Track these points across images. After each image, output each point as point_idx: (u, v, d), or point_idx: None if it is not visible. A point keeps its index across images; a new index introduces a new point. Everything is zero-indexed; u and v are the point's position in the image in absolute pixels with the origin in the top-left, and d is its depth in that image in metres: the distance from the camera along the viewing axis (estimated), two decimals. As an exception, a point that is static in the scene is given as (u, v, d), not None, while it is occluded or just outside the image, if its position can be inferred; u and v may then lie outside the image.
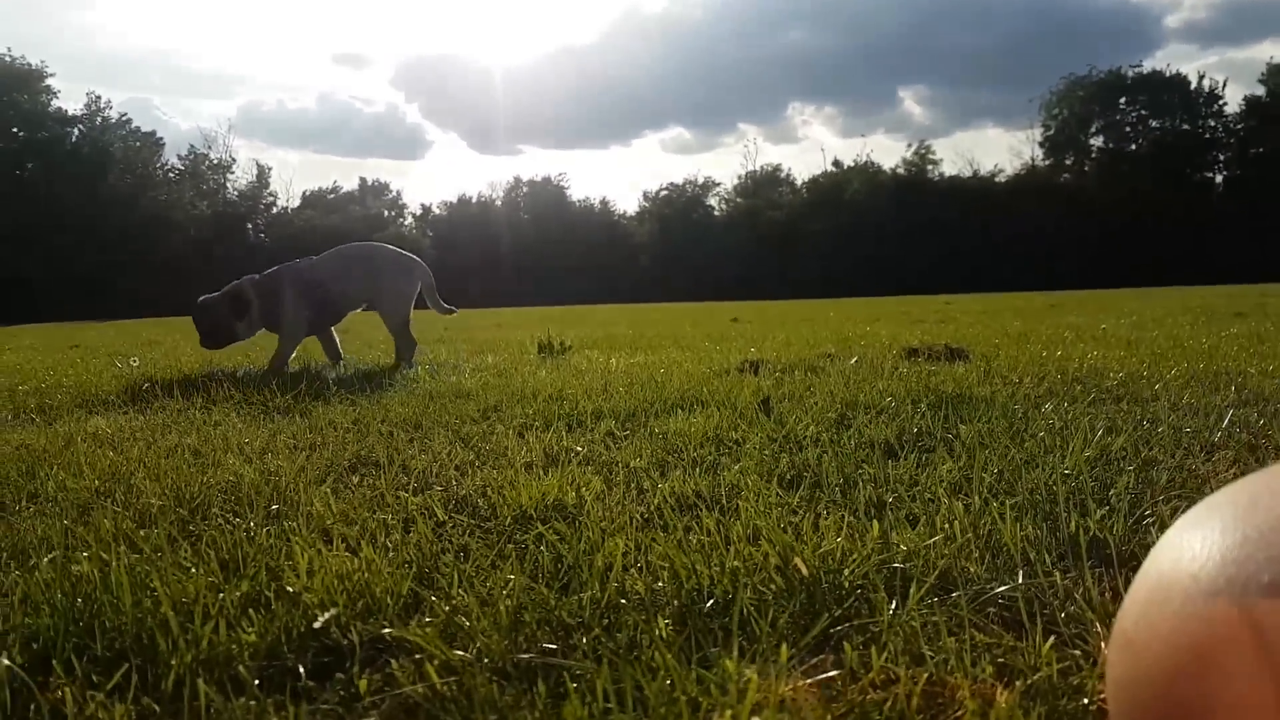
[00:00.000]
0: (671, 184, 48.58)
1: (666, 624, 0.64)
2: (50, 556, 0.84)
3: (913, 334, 4.15)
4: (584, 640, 0.64)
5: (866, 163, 43.60)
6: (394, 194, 50.69)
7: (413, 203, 53.34)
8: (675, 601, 0.70)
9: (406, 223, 49.70)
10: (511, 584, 0.74)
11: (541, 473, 1.23)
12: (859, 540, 0.84)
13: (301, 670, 0.61)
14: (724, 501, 1.04)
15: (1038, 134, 41.00)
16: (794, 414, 1.64)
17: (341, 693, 0.59)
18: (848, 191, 42.05)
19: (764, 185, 46.22)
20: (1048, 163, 40.17)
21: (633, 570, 0.78)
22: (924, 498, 1.03)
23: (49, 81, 34.23)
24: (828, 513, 0.97)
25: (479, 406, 1.93)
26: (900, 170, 42.57)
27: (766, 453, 1.32)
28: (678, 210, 46.34)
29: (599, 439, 1.49)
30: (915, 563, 0.77)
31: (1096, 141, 39.58)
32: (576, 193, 53.84)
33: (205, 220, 39.48)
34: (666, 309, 14.97)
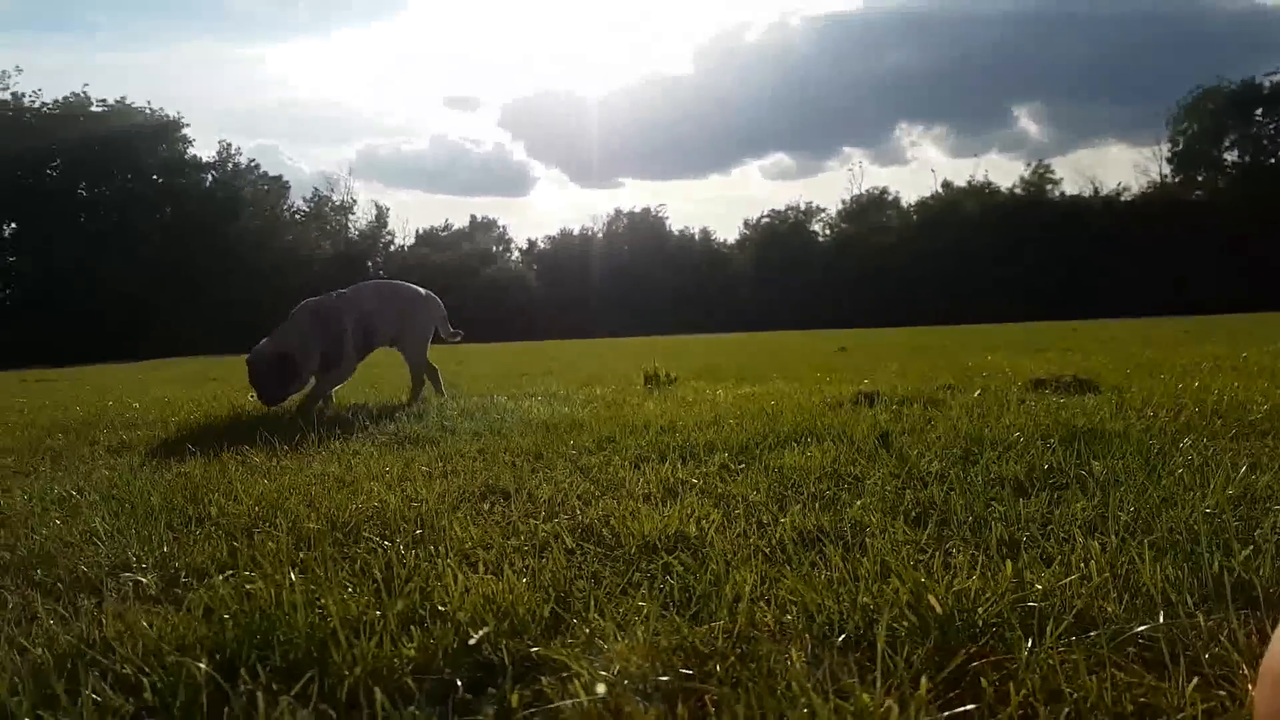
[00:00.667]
0: (773, 211, 48.22)
1: (800, 656, 0.66)
2: (225, 575, 0.93)
3: (1036, 364, 4.01)
4: (718, 668, 0.67)
5: (981, 183, 42.14)
6: (501, 229, 52.26)
7: (518, 237, 54.78)
8: (806, 635, 0.72)
9: (513, 257, 51.11)
10: (645, 611, 0.77)
11: (660, 504, 1.27)
12: (992, 579, 0.83)
13: (459, 684, 0.65)
14: (848, 537, 1.04)
15: (1165, 149, 38.82)
16: (915, 449, 1.63)
17: (495, 706, 0.63)
18: (960, 213, 40.79)
19: (870, 209, 45.33)
20: (1177, 179, 37.92)
21: (761, 603, 0.80)
22: (1058, 536, 1.01)
23: (185, 131, 36.78)
24: (957, 551, 0.97)
25: (594, 438, 1.99)
26: (1018, 190, 41.03)
27: (889, 489, 1.31)
28: (779, 237, 45.97)
29: (714, 471, 1.51)
30: (1051, 602, 0.77)
31: (1230, 155, 37.21)
32: (676, 223, 54.16)
33: (329, 258, 41.59)
34: (769, 338, 14.86)
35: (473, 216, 52.68)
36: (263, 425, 2.58)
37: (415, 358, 3.46)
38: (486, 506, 1.30)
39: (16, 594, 0.93)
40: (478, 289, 42.33)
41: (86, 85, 42.25)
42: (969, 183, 43.12)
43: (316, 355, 3.06)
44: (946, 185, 44.09)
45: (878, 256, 40.67)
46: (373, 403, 3.29)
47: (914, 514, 1.16)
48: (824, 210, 47.75)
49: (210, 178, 38.40)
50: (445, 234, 51.07)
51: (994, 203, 40.94)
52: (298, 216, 43.33)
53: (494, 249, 51.14)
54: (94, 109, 34.79)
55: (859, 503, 1.21)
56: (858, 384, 3.08)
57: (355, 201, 46.87)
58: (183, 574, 0.98)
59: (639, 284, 43.15)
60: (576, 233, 49.96)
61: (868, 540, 0.99)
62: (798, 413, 2.22)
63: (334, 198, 45.83)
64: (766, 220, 48.13)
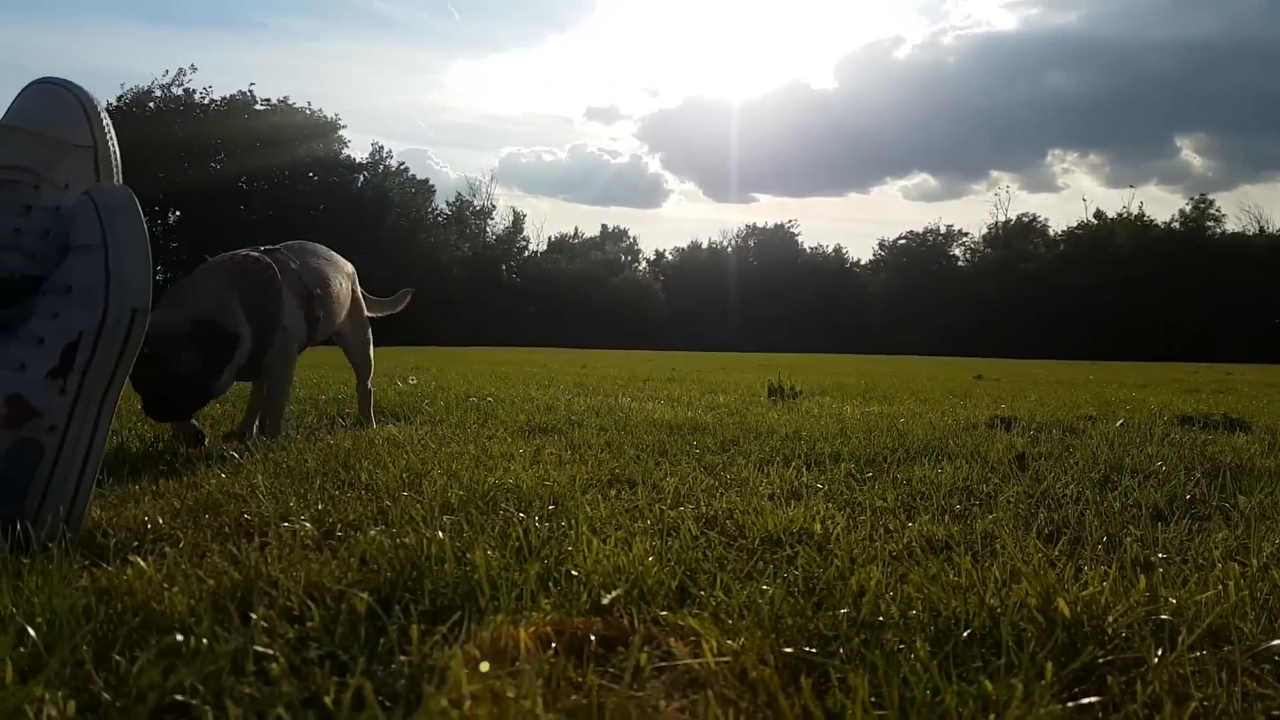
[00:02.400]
0: (911, 232, 46.83)
1: (925, 645, 0.67)
2: (376, 530, 1.01)
3: (1186, 402, 3.76)
4: (841, 650, 0.68)
5: (1136, 215, 39.64)
6: (631, 240, 52.93)
7: (647, 248, 55.33)
8: (932, 627, 0.72)
9: (640, 267, 51.65)
10: (770, 594, 0.79)
11: (784, 503, 1.28)
12: (1124, 593, 0.81)
13: (592, 639, 0.69)
14: (978, 547, 1.03)
15: (1349, 187, 35.54)
16: (1051, 472, 1.57)
17: (626, 662, 0.66)
18: (1112, 245, 38.46)
19: (1016, 236, 43.34)
20: (1362, 219, 34.62)
21: (886, 596, 0.81)
22: (1195, 561, 0.97)
23: (341, 132, 38.87)
24: (1089, 567, 0.94)
25: (717, 440, 2.01)
26: (1175, 224, 38.40)
27: (1021, 507, 1.28)
28: (917, 260, 44.59)
29: (839, 479, 1.51)
30: (1184, 617, 0.74)
31: None
32: (809, 240, 53.48)
33: (467, 261, 43.13)
34: (900, 362, 14.46)
35: (604, 226, 53.61)
36: (402, 408, 2.73)
37: (365, 349, 2.47)
38: (613, 493, 1.34)
39: (188, 536, 1.03)
40: (604, 297, 43.05)
41: (252, 84, 45.15)
42: (1122, 214, 40.67)
43: (249, 334, 1.81)
44: (1099, 215, 41.72)
45: (1020, 285, 38.86)
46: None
47: (1047, 531, 1.13)
48: (966, 235, 45.99)
49: (362, 178, 40.37)
50: (576, 242, 52.14)
51: (1149, 236, 38.47)
52: (440, 219, 45.09)
53: (622, 259, 51.83)
54: (257, 107, 37.15)
55: (990, 516, 1.18)
56: (995, 409, 2.97)
57: (494, 207, 48.48)
58: (337, 527, 1.07)
59: (767, 300, 42.79)
60: (705, 246, 49.99)
61: (997, 550, 0.98)
62: (929, 431, 2.18)
63: (475, 202, 47.47)
64: (904, 242, 46.75)
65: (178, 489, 1.31)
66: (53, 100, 1.18)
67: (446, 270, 40.38)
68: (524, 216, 48.75)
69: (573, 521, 1.07)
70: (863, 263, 47.99)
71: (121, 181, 1.22)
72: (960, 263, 45.09)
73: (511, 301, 42.01)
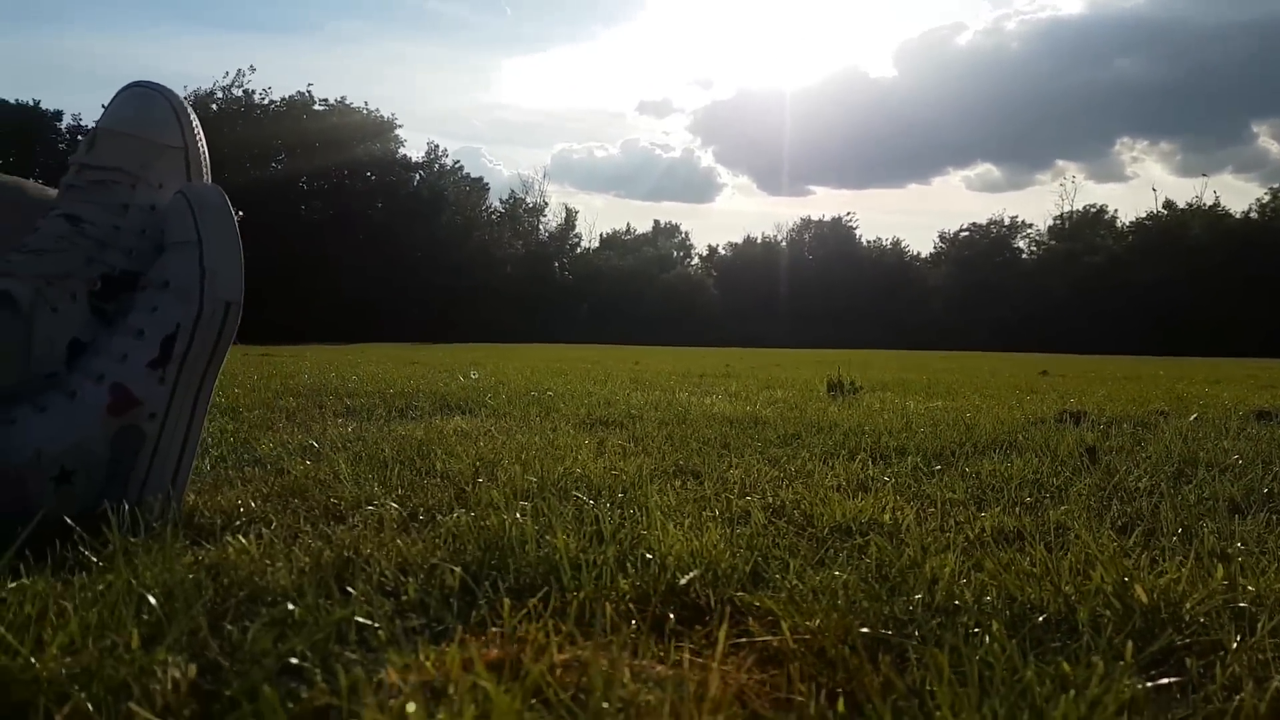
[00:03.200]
0: (974, 224, 45.80)
1: (1001, 628, 0.67)
2: (458, 513, 1.05)
3: (1261, 398, 3.64)
4: (916, 633, 0.69)
5: (1209, 205, 38.19)
6: (683, 235, 52.81)
7: (700, 244, 55.14)
8: (1007, 613, 0.73)
9: (693, 263, 51.50)
10: (843, 579, 0.81)
11: (852, 495, 1.28)
12: (1201, 582, 0.80)
13: (670, 616, 0.71)
14: (1050, 538, 1.03)
15: None
16: (1124, 465, 1.55)
17: (703, 640, 0.69)
18: (1183, 236, 37.14)
19: (1082, 227, 42.12)
20: None
21: (960, 582, 0.82)
22: (1275, 553, 0.95)
23: (397, 131, 39.42)
24: (1164, 558, 0.94)
25: (778, 434, 2.02)
26: (1252, 214, 36.92)
27: (1094, 499, 1.27)
28: (979, 252, 43.60)
29: (906, 472, 1.51)
30: (1264, 605, 0.74)
31: None
32: (867, 233, 52.68)
33: (519, 258, 43.50)
34: (962, 357, 14.21)
35: (656, 221, 53.62)
36: (465, 401, 2.80)
37: None
38: (679, 483, 1.36)
39: (279, 518, 1.08)
40: (656, 293, 43.07)
41: (310, 84, 46.01)
42: (1194, 204, 39.24)
43: None
44: (1169, 205, 40.30)
45: (1086, 278, 37.78)
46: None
47: (1120, 523, 1.12)
48: (1030, 226, 44.81)
49: (418, 177, 40.89)
50: (628, 238, 52.22)
51: (1223, 227, 37.06)
52: (493, 216, 45.46)
53: (674, 254, 51.73)
54: (316, 107, 37.85)
55: (1062, 508, 1.18)
56: (1062, 404, 2.92)
57: (547, 204, 48.81)
58: (419, 511, 1.11)
59: (823, 295, 42.31)
60: (759, 240, 49.63)
61: (1070, 540, 0.97)
62: (997, 425, 2.15)
63: (528, 200, 47.82)
64: (966, 234, 45.73)
65: (264, 475, 1.37)
66: (146, 104, 1.23)
67: (500, 267, 40.81)
68: (576, 213, 49.04)
69: (643, 508, 1.09)
70: (923, 256, 47.18)
71: (210, 180, 1.28)
72: (1024, 255, 44.02)
73: (563, 298, 42.34)
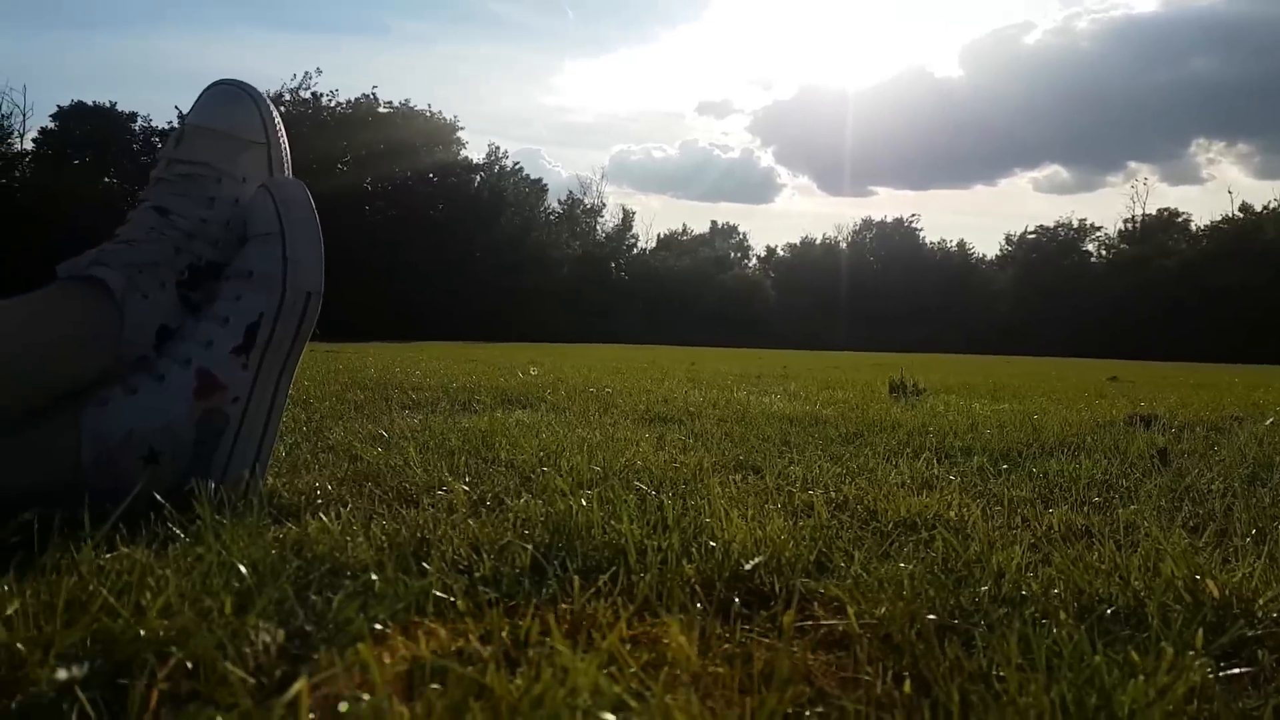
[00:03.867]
0: (1041, 227, 44.63)
1: (1069, 618, 0.67)
2: (525, 499, 1.07)
3: (1348, 406, 3.49)
4: (982, 622, 0.69)
5: (1289, 209, 36.66)
6: (741, 236, 52.52)
7: (758, 244, 54.75)
8: (1075, 604, 0.72)
9: (750, 264, 51.21)
10: (909, 570, 0.81)
11: (916, 492, 1.28)
12: (1276, 581, 0.79)
13: (736, 600, 0.73)
14: (1120, 536, 1.01)
15: None
16: (1196, 468, 1.51)
17: (768, 624, 0.70)
18: (1260, 241, 35.69)
19: (1154, 231, 40.75)
20: None
21: (1027, 576, 0.81)
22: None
23: (459, 134, 39.92)
24: (1237, 557, 0.91)
25: (840, 432, 2.01)
26: (1336, 218, 35.34)
27: (1164, 500, 1.24)
28: (1046, 255, 42.47)
29: (972, 471, 1.49)
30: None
31: None
32: (930, 235, 51.71)
33: (576, 258, 43.74)
34: (1028, 363, 13.87)
35: (713, 222, 53.42)
36: (525, 396, 2.84)
37: None
38: (739, 477, 1.37)
39: (354, 501, 1.11)
40: (713, 295, 42.95)
41: (375, 87, 46.81)
42: (1273, 206, 37.64)
43: None
44: (1245, 209, 38.75)
45: (1158, 283, 36.55)
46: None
47: (1191, 523, 1.09)
48: (1100, 229, 43.49)
49: (478, 178, 41.32)
50: (685, 238, 52.13)
51: (1305, 230, 35.49)
52: (551, 217, 45.74)
53: (731, 255, 51.49)
54: (380, 110, 38.49)
55: (1132, 507, 1.16)
56: (1132, 409, 2.85)
57: (604, 205, 48.97)
58: (486, 496, 1.14)
59: (884, 297, 41.68)
60: (819, 242, 49.11)
61: (1139, 539, 0.96)
62: (1064, 427, 2.11)
63: (585, 201, 48.04)
64: (1033, 236, 44.57)
65: (337, 461, 1.42)
66: (230, 100, 1.29)
67: (556, 268, 41.12)
68: (633, 214, 49.19)
69: (706, 499, 1.10)
70: (988, 258, 46.16)
71: (291, 175, 1.33)
72: (1094, 259, 42.80)
73: (619, 299, 42.50)
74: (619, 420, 2.16)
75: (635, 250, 48.83)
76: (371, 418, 2.24)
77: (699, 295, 42.38)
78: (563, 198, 46.62)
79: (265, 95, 1.30)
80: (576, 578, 0.71)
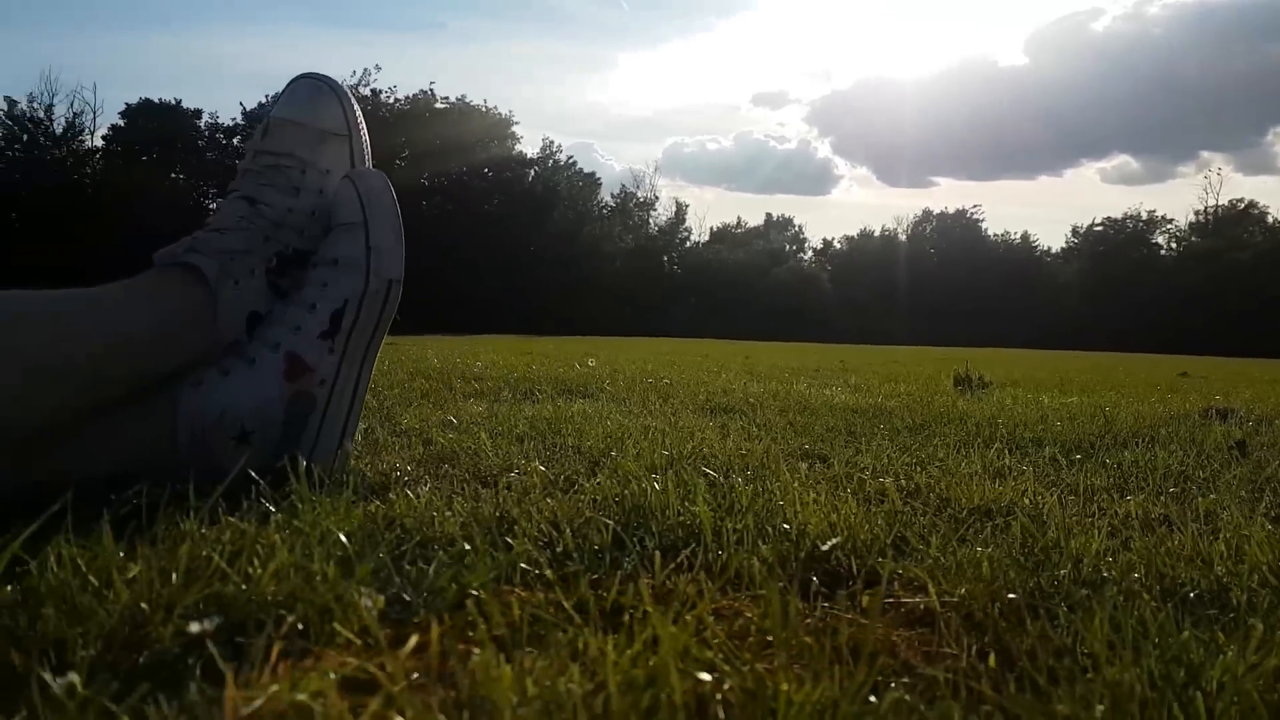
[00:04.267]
0: (1108, 219, 43.28)
1: (1151, 599, 0.67)
2: (599, 478, 1.10)
3: None
4: (1064, 603, 0.69)
5: (1374, 198, 35.04)
6: (796, 228, 51.95)
7: (813, 237, 54.08)
8: (1157, 587, 0.72)
9: (806, 257, 50.67)
10: (987, 553, 0.81)
11: (989, 480, 1.27)
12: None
13: (814, 579, 0.74)
14: (1200, 524, 1.00)
15: None
16: (1276, 460, 1.47)
17: (847, 602, 0.71)
18: (1344, 233, 34.15)
19: (1227, 223, 39.25)
20: None
21: (1107, 560, 0.81)
22: None
23: (514, 129, 40.15)
24: (1327, 551, 0.90)
25: (905, 423, 2.00)
26: None
27: (1244, 490, 1.22)
28: (1114, 248, 41.20)
29: (1044, 461, 1.48)
30: None
31: None
32: (993, 226, 50.52)
33: (629, 252, 43.73)
34: (1095, 357, 13.52)
35: (768, 215, 52.89)
36: (583, 387, 2.87)
37: None
38: (806, 466, 1.38)
39: (433, 481, 1.15)
40: (768, 288, 42.65)
41: (432, 83, 47.30)
42: (1360, 194, 35.99)
43: None
44: (1329, 198, 37.07)
45: (1231, 276, 35.19)
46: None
47: (1274, 513, 1.07)
48: (1171, 221, 42.00)
49: (532, 173, 41.49)
50: (739, 231, 51.75)
51: (1391, 220, 33.83)
52: (604, 211, 45.77)
53: (787, 248, 50.96)
54: (437, 105, 38.85)
55: (1211, 497, 1.14)
56: (1206, 401, 2.77)
57: (658, 198, 48.83)
58: (558, 480, 1.17)
59: (945, 290, 40.88)
60: (877, 234, 48.34)
61: (1220, 526, 0.94)
62: (1137, 419, 2.07)
63: (638, 194, 47.94)
64: (1100, 229, 43.26)
65: (412, 444, 1.46)
66: (314, 93, 1.33)
67: (609, 262, 41.19)
68: (686, 207, 48.96)
69: (777, 484, 1.12)
70: (1054, 250, 44.97)
71: (372, 166, 1.37)
72: (1163, 252, 41.41)
73: (672, 292, 42.44)
74: (679, 410, 2.18)
75: (689, 244, 48.66)
76: (438, 405, 2.30)
77: (753, 289, 42.10)
78: (616, 191, 46.63)
79: (345, 87, 1.34)
80: (657, 553, 0.73)
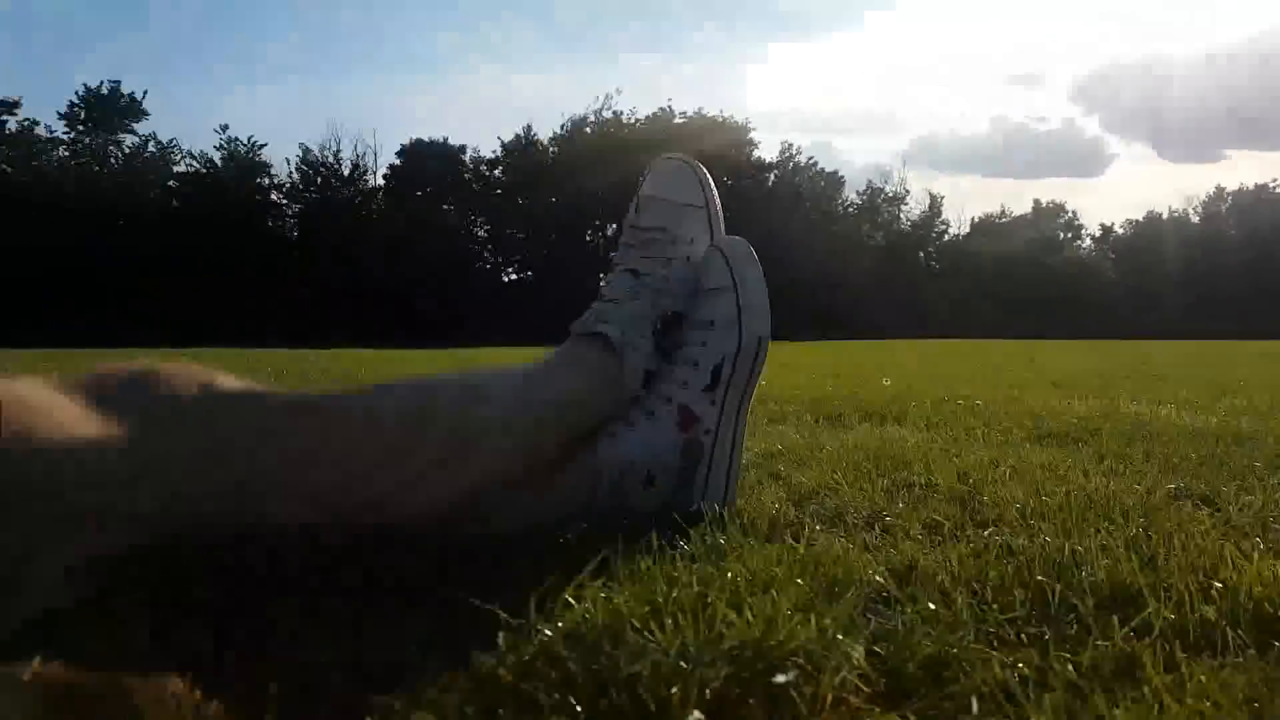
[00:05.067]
0: None
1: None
2: (988, 531, 1.14)
3: None
4: None
5: None
6: (1070, 214, 47.60)
7: (1091, 223, 49.21)
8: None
9: (1084, 245, 46.36)
10: None
11: None
12: None
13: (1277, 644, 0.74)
14: None
15: None
16: None
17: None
18: None
19: None
20: None
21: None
22: None
23: (751, 134, 40.23)
24: None
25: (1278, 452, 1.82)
26: None
27: None
28: None
29: None
30: None
31: None
32: (1314, 201, 43.38)
33: (881, 249, 42.28)
34: None
35: (1036, 201, 48.96)
36: (886, 410, 2.86)
37: None
38: (1189, 508, 1.31)
39: (808, 522, 1.22)
40: (1041, 280, 39.51)
41: (670, 99, 48.54)
42: None
43: None
44: None
45: None
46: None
47: None
48: None
49: (773, 177, 41.32)
50: (1003, 220, 48.35)
51: None
52: (850, 209, 44.65)
53: (1060, 236, 46.92)
54: (676, 121, 39.88)
55: None
56: None
57: (908, 192, 46.87)
58: (937, 526, 1.21)
59: (1252, 276, 35.70)
60: (1165, 216, 43.23)
61: None
62: None
63: (886, 189, 46.30)
64: None
65: (765, 481, 1.58)
66: (675, 171, 1.51)
67: (860, 261, 40.06)
68: (941, 198, 46.42)
69: (1179, 534, 1.09)
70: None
71: (723, 228, 1.51)
72: None
73: (931, 289, 40.50)
74: (1010, 440, 2.14)
75: (946, 236, 46.15)
76: (750, 433, 2.40)
77: (1023, 281, 39.10)
78: (861, 188, 45.25)
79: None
80: (1115, 616, 0.76)
